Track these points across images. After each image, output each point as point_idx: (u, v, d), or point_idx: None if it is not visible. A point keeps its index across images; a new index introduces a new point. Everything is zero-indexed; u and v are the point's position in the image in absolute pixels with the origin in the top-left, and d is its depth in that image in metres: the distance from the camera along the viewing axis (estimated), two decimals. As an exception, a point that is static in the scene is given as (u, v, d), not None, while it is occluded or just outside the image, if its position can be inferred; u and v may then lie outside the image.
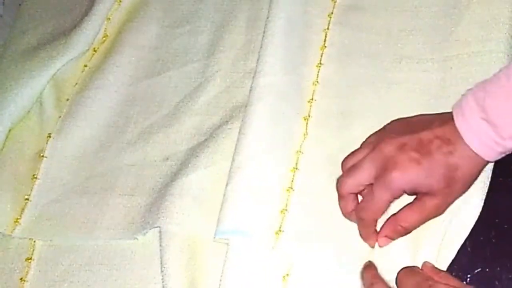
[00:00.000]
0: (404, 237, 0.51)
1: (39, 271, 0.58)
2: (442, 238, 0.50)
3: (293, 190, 0.55)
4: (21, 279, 0.58)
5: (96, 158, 0.63)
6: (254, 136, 0.56)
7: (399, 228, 0.50)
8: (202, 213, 0.56)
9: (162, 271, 0.53)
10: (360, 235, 0.52)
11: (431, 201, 0.49)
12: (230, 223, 0.53)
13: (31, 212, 0.61)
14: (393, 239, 0.51)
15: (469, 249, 0.51)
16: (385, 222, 0.51)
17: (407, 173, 0.48)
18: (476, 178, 0.50)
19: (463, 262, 0.51)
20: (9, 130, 0.65)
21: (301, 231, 0.53)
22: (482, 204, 0.50)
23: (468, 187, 0.50)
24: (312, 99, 0.59)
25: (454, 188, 0.48)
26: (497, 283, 0.50)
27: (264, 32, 0.61)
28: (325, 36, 0.62)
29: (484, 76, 0.50)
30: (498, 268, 0.51)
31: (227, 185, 0.54)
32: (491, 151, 0.47)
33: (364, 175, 0.50)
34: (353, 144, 0.54)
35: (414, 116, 0.53)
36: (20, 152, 0.64)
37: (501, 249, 0.51)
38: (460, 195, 0.50)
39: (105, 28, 0.70)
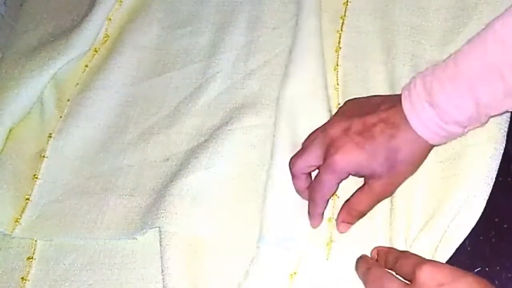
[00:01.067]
0: (403, 234, 0.52)
1: (40, 270, 0.58)
2: (441, 236, 0.50)
3: (338, 198, 0.55)
4: (22, 278, 0.58)
5: (96, 158, 0.63)
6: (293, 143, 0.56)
7: (354, 212, 0.52)
8: (202, 213, 0.56)
9: (162, 271, 0.54)
10: (308, 213, 0.53)
11: (377, 183, 0.50)
12: (277, 232, 0.53)
13: (31, 211, 0.61)
14: (351, 223, 0.53)
15: (468, 248, 0.51)
16: (340, 209, 0.53)
17: (349, 156, 0.49)
18: (421, 161, 0.51)
19: (462, 261, 0.51)
20: (10, 130, 0.64)
21: (349, 240, 0.54)
22: (484, 204, 0.50)
23: (414, 168, 0.51)
24: (338, 104, 0.60)
25: (398, 170, 0.50)
26: (496, 282, 0.50)
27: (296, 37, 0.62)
28: (339, 38, 0.63)
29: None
30: (498, 268, 0.51)
31: (270, 192, 0.55)
32: (435, 135, 0.48)
33: (311, 156, 0.52)
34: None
35: (366, 97, 0.55)
36: (21, 152, 0.64)
37: (501, 248, 0.52)
38: (408, 175, 0.52)
39: (106, 29, 0.70)
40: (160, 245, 0.55)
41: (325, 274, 0.52)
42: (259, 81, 0.63)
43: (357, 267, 0.51)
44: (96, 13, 0.68)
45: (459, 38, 0.58)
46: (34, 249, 0.59)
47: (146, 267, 0.56)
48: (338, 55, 0.62)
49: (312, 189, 0.52)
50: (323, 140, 0.51)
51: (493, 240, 0.52)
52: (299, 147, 0.55)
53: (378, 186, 0.50)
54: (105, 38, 0.70)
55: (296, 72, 0.59)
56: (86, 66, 0.69)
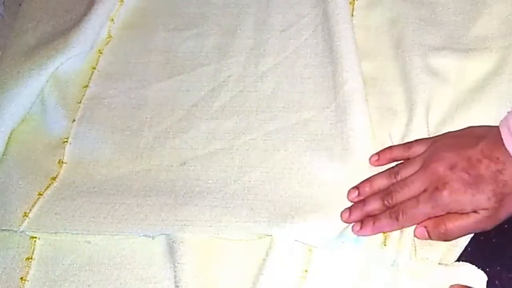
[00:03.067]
0: None
1: (40, 270, 0.58)
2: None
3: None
4: (21, 278, 0.58)
5: (112, 162, 0.63)
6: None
7: (441, 226, 0.50)
8: (219, 217, 0.56)
9: (175, 273, 0.54)
10: (353, 212, 0.53)
11: (474, 216, 0.49)
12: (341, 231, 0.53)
13: (41, 206, 0.60)
14: (430, 237, 0.51)
15: (469, 249, 0.51)
16: (428, 218, 0.51)
17: (457, 194, 0.49)
18: None
19: (463, 261, 0.51)
20: (12, 130, 0.65)
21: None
22: None
23: None
24: None
25: (504, 201, 0.49)
26: (497, 282, 0.50)
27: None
28: None
29: (506, 70, 0.52)
30: (498, 268, 0.51)
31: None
32: None
33: (414, 191, 0.51)
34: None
35: (462, 130, 0.54)
36: (31, 154, 0.64)
37: (501, 249, 0.52)
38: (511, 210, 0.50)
39: (109, 29, 0.70)
40: (173, 251, 0.55)
41: (336, 273, 0.52)
42: (272, 83, 0.64)
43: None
44: (96, 12, 0.68)
45: (470, 34, 0.59)
46: (34, 249, 0.59)
47: (146, 268, 0.56)
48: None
49: (400, 211, 0.51)
50: (427, 176, 0.51)
51: (493, 240, 0.52)
52: None
53: (477, 219, 0.49)
54: (108, 39, 0.70)
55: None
56: (94, 68, 0.69)
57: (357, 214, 0.53)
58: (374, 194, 0.53)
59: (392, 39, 0.63)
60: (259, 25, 0.68)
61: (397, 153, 0.56)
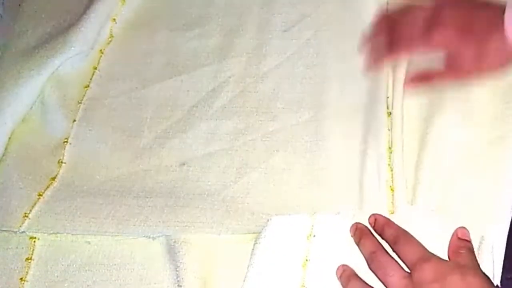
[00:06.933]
0: None
1: (39, 271, 0.58)
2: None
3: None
4: (21, 279, 0.58)
5: (112, 162, 0.63)
6: None
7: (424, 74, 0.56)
8: (220, 220, 0.56)
9: (177, 273, 0.54)
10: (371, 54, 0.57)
11: (460, 60, 0.54)
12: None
13: (41, 207, 0.60)
14: (416, 85, 0.56)
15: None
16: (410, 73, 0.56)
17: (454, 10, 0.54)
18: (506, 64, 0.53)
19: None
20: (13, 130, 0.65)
21: None
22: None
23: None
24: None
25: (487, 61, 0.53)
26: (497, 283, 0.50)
27: None
28: None
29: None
30: (498, 268, 0.51)
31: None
32: None
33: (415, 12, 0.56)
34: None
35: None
36: (32, 154, 0.64)
37: (501, 249, 0.52)
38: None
39: (111, 29, 0.70)
40: (175, 251, 0.55)
41: (337, 261, 0.52)
42: (272, 84, 0.64)
43: (359, 243, 0.52)
44: (96, 12, 0.68)
45: None
46: (33, 250, 0.59)
47: (145, 268, 0.56)
48: None
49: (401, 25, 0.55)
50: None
51: (493, 241, 0.52)
52: None
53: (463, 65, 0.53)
54: (110, 39, 0.70)
55: None
56: (95, 68, 0.69)
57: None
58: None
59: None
60: (261, 25, 0.68)
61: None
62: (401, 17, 0.57)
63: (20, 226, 0.59)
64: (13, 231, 0.59)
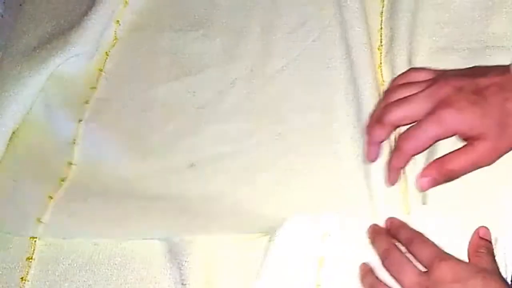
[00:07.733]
0: None
1: (40, 270, 0.58)
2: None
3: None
4: (21, 278, 0.58)
5: (119, 163, 0.63)
6: None
7: (444, 170, 0.49)
8: (230, 224, 0.56)
9: (181, 272, 0.54)
10: (388, 167, 0.52)
11: (482, 144, 0.48)
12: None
13: (53, 210, 0.60)
14: (438, 183, 0.50)
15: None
16: (428, 165, 0.51)
17: (463, 112, 0.48)
18: None
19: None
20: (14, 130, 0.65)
21: None
22: None
23: None
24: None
25: (507, 133, 0.48)
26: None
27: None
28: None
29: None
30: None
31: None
32: None
33: (416, 109, 0.50)
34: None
35: (469, 67, 0.53)
36: (37, 156, 0.64)
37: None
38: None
39: (115, 31, 0.70)
40: (180, 249, 0.55)
41: (354, 260, 0.52)
42: (280, 86, 0.63)
43: (373, 242, 0.51)
44: (97, 13, 0.68)
45: (488, 30, 0.59)
46: (34, 249, 0.59)
47: (146, 268, 0.56)
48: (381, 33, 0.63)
49: (403, 138, 0.50)
50: (432, 94, 0.50)
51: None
52: None
53: (483, 148, 0.48)
54: (115, 41, 0.70)
55: None
56: (101, 70, 0.69)
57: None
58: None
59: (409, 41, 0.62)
60: (266, 26, 0.67)
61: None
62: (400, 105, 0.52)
63: (35, 232, 0.59)
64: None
